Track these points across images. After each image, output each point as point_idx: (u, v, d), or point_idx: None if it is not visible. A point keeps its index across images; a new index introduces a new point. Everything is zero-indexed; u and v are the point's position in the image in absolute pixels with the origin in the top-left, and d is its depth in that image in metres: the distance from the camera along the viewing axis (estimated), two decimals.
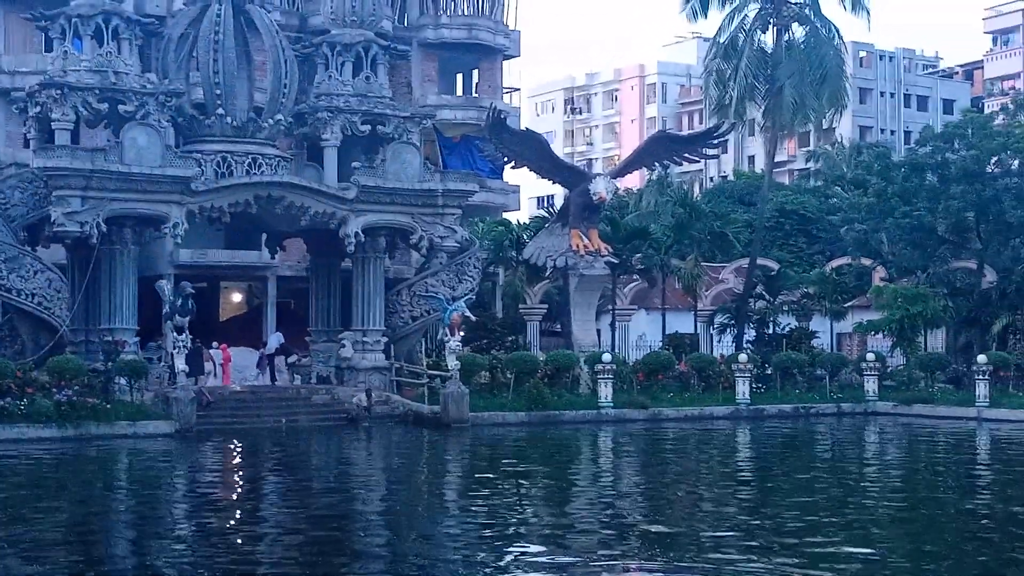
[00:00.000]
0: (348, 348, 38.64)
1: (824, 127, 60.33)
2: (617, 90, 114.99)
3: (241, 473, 27.42)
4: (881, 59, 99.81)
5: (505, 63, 55.89)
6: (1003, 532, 18.48)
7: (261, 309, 46.18)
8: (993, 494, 23.55)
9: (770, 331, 49.45)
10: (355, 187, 37.91)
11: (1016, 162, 48.95)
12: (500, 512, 20.53)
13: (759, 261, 50.38)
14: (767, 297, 50.15)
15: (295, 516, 20.33)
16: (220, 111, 37.50)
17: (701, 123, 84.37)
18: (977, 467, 29.07)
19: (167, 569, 15.62)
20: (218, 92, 37.67)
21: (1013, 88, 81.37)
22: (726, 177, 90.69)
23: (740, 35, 49.39)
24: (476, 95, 54.45)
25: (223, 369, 40.08)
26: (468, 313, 38.39)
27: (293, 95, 38.94)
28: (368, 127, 39.71)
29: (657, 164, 48.00)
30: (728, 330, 49.79)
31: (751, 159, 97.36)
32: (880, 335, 47.14)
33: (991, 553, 16.69)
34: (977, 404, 39.81)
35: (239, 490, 24.19)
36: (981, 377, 40.16)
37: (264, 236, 42.93)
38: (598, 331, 46.09)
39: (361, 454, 31.17)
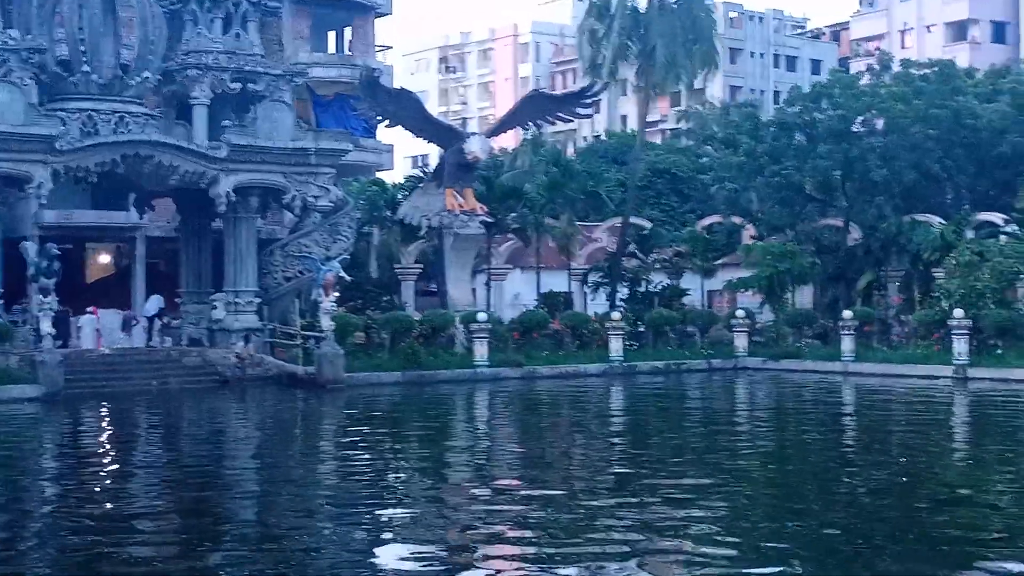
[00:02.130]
0: (220, 310, 38.16)
1: (695, 87, 60.92)
2: (491, 49, 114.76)
3: (108, 437, 26.96)
4: (751, 20, 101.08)
5: (378, 21, 55.42)
6: (866, 480, 19.05)
7: (129, 271, 45.30)
8: (856, 444, 24.22)
9: (643, 289, 50.01)
10: (226, 146, 37.33)
11: (881, 121, 50.00)
12: (375, 473, 20.53)
13: (632, 220, 50.82)
14: (640, 255, 50.66)
15: (162, 481, 20.07)
16: (86, 68, 36.53)
17: (575, 82, 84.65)
18: (841, 418, 29.85)
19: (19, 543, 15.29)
20: (83, 48, 36.70)
21: (878, 49, 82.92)
22: (599, 137, 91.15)
23: None
24: (349, 53, 53.92)
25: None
26: (342, 273, 38.14)
27: (161, 52, 38.10)
28: (239, 85, 39.04)
29: (531, 123, 48.01)
30: (602, 288, 50.22)
31: (624, 119, 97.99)
32: (750, 292, 47.98)
33: (850, 504, 17.19)
34: (843, 358, 40.82)
35: (106, 454, 23.78)
36: (847, 332, 41.18)
37: (132, 196, 42.06)
38: (473, 290, 46.16)
39: (233, 416, 30.85)
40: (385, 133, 51.17)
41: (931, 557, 13.60)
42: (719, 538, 14.53)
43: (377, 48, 56.30)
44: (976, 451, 23.34)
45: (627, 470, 20.30)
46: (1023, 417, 29.48)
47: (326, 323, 36.29)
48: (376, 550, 14.38)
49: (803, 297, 49.54)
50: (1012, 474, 19.65)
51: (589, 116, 70.41)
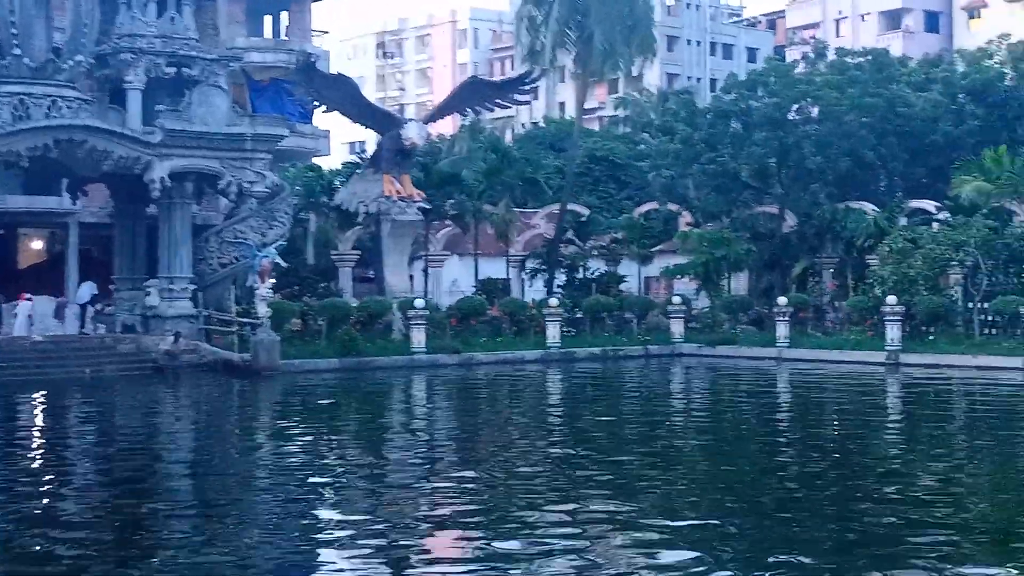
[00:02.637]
0: (154, 296, 37.78)
1: (633, 74, 61.10)
2: (429, 35, 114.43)
3: (40, 425, 26.63)
4: (688, 7, 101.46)
5: (314, 6, 55.08)
6: (799, 459, 19.27)
7: (62, 257, 44.72)
8: (789, 429, 24.47)
9: (580, 276, 50.20)
10: (160, 131, 36.96)
11: (816, 109, 50.43)
12: (309, 460, 20.45)
13: (569, 207, 50.94)
14: (577, 242, 50.83)
15: (95, 469, 19.88)
16: (17, 51, 35.94)
17: (513, 69, 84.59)
18: (775, 404, 30.14)
19: None
20: (14, 31, 36.13)
21: (813, 37, 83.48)
22: (537, 123, 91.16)
23: None
24: (285, 38, 53.55)
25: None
26: (279, 260, 37.94)
27: (94, 35, 37.63)
28: (173, 69, 38.62)
29: (469, 110, 48.07)
30: (539, 275, 50.34)
31: (562, 105, 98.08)
32: (686, 279, 48.28)
33: (782, 489, 17.38)
34: (778, 344, 41.20)
35: (37, 443, 23.49)
36: (782, 318, 41.57)
37: (65, 181, 41.51)
38: (411, 277, 46.06)
39: (167, 403, 30.59)
40: (322, 119, 50.88)
41: (859, 536, 13.78)
42: (655, 521, 14.61)
43: (314, 33, 55.94)
44: (907, 435, 23.64)
45: (564, 455, 20.36)
46: (953, 402, 29.91)
47: (262, 310, 36.06)
48: (313, 539, 14.32)
49: (739, 284, 49.93)
50: (942, 457, 19.93)
51: (527, 103, 70.57)
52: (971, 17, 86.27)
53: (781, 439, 22.95)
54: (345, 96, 41.78)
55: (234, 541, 14.01)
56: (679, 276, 48.50)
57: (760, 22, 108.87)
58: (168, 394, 31.81)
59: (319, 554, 13.42)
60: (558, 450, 21.13)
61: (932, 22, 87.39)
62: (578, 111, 53.28)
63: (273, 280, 37.38)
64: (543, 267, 50.16)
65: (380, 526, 14.70)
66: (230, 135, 38.10)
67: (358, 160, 51.15)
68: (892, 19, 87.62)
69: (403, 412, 29.21)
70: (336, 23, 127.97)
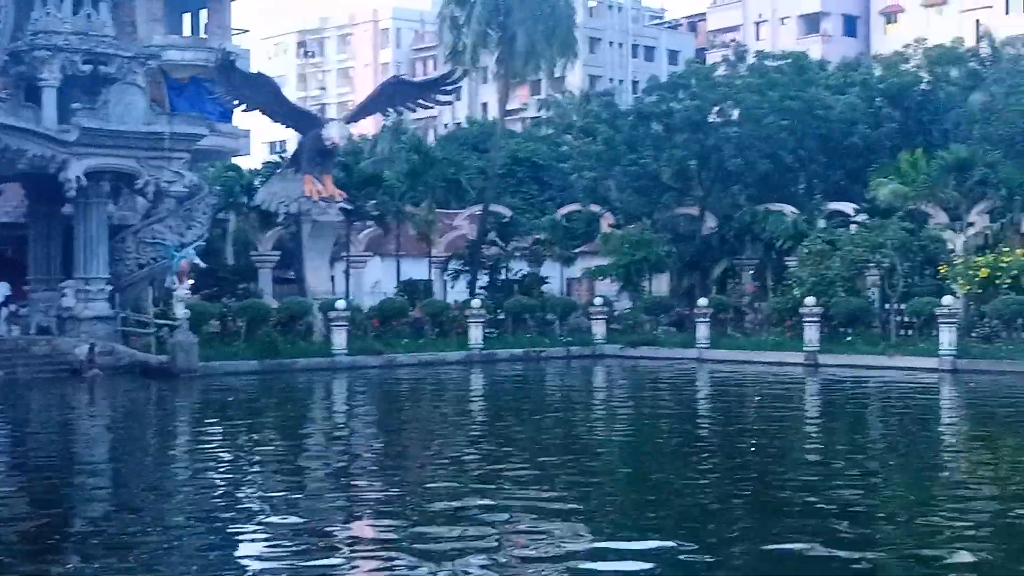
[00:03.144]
0: (70, 297, 37.16)
1: (555, 75, 61.17)
2: (351, 34, 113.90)
3: None
4: (610, 9, 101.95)
5: (234, 4, 54.38)
6: (719, 457, 19.38)
7: None
8: (707, 429, 24.63)
9: (503, 277, 50.21)
10: (76, 129, 36.35)
11: (736, 112, 50.83)
12: (227, 465, 20.20)
13: (492, 208, 50.91)
14: (500, 243, 50.80)
15: (7, 475, 19.48)
16: None
17: (435, 69, 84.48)
18: (694, 405, 30.32)
19: None
20: None
21: (734, 40, 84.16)
22: (460, 124, 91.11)
23: None
24: (205, 36, 52.87)
25: None
26: (197, 260, 37.52)
27: (9, 31, 36.98)
28: (90, 67, 38.01)
29: (391, 110, 47.87)
30: (462, 276, 50.26)
31: (484, 106, 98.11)
32: (608, 280, 48.44)
33: (701, 486, 17.46)
34: (698, 345, 41.50)
35: None
36: (702, 319, 41.88)
37: None
38: (332, 278, 45.75)
39: (83, 406, 30.07)
40: (242, 118, 50.30)
41: (777, 530, 13.86)
42: (573, 521, 14.59)
43: (234, 31, 55.31)
44: (824, 434, 23.88)
45: (485, 456, 20.30)
46: (869, 401, 30.27)
47: (180, 311, 35.63)
48: (232, 540, 14.11)
49: (660, 285, 50.20)
50: (857, 454, 20.13)
51: (450, 103, 70.50)
52: (888, 22, 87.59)
53: (698, 440, 23.07)
54: (265, 95, 41.41)
55: (139, 549, 13.77)
56: (601, 277, 48.67)
57: (681, 25, 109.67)
58: (82, 397, 31.25)
59: (235, 556, 13.23)
60: (478, 450, 21.05)
61: (850, 26, 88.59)
62: (501, 112, 53.26)
63: (191, 281, 36.98)
64: (465, 268, 50.08)
65: (297, 529, 14.52)
66: (148, 134, 37.58)
67: (279, 160, 50.76)
68: (811, 23, 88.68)
69: (323, 414, 28.98)
70: (256, 21, 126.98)
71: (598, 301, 44.62)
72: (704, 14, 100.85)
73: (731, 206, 50.21)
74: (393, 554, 13.24)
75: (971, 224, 42.57)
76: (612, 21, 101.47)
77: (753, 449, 21.12)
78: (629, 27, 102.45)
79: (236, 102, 42.32)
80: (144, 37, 47.48)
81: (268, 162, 54.00)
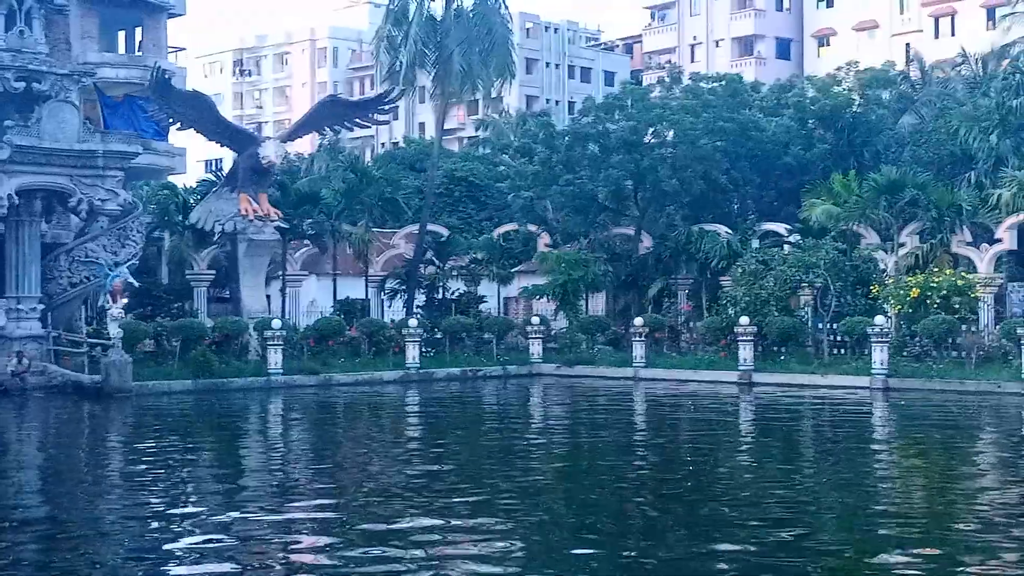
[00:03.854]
0: (1, 316, 36.68)
1: (492, 96, 61.35)
2: (288, 53, 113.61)
3: None
4: (547, 30, 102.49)
5: (171, 22, 54.23)
6: (656, 481, 19.50)
7: None
8: (643, 448, 24.77)
9: (440, 296, 50.17)
10: (8, 147, 35.93)
11: (671, 133, 51.22)
12: (160, 486, 20.03)
13: (429, 227, 50.90)
14: (437, 262, 50.79)
15: None
16: None
17: (372, 88, 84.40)
18: (630, 423, 30.47)
19: None
20: None
21: (669, 62, 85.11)
22: (397, 143, 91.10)
23: (411, 2, 49.62)
24: (140, 54, 52.59)
25: None
26: (131, 279, 37.17)
27: None
28: (22, 84, 37.59)
29: (328, 129, 47.89)
30: (399, 295, 50.15)
31: (422, 126, 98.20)
32: (545, 299, 48.56)
33: (636, 507, 17.57)
34: (634, 364, 41.71)
35: None
36: (638, 339, 42.11)
37: None
38: (268, 297, 45.50)
39: (11, 427, 29.67)
40: (177, 136, 50.13)
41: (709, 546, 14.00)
42: (509, 543, 14.63)
43: (170, 49, 55.07)
44: (757, 451, 24.10)
45: (420, 477, 20.29)
46: (803, 419, 30.59)
47: (114, 330, 35.28)
48: (162, 565, 14.02)
49: (596, 304, 50.41)
50: (789, 470, 20.36)
51: (387, 122, 70.60)
52: (821, 45, 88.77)
53: (633, 458, 23.20)
54: (201, 113, 41.22)
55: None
56: (538, 296, 48.79)
57: (617, 46, 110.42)
58: (11, 417, 30.83)
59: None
60: (413, 470, 21.04)
61: (783, 49, 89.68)
62: (438, 132, 53.31)
63: (125, 300, 36.60)
64: (402, 287, 50.01)
65: (231, 553, 14.45)
66: (81, 152, 37.24)
67: (214, 178, 50.33)
68: (745, 46, 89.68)
69: (257, 435, 28.82)
70: (193, 40, 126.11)
71: (535, 320, 44.75)
72: (640, 36, 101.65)
73: (666, 226, 50.59)
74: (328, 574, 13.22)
75: (902, 245, 43.20)
76: (549, 42, 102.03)
77: (690, 467, 21.29)
78: (566, 48, 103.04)
79: (171, 120, 42.09)
80: (78, 54, 47.15)
81: (203, 180, 53.59)
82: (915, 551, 14.09)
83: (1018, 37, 58.79)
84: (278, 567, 13.78)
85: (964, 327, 38.43)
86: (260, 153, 41.25)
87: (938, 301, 38.07)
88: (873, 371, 36.63)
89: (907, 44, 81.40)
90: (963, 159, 49.15)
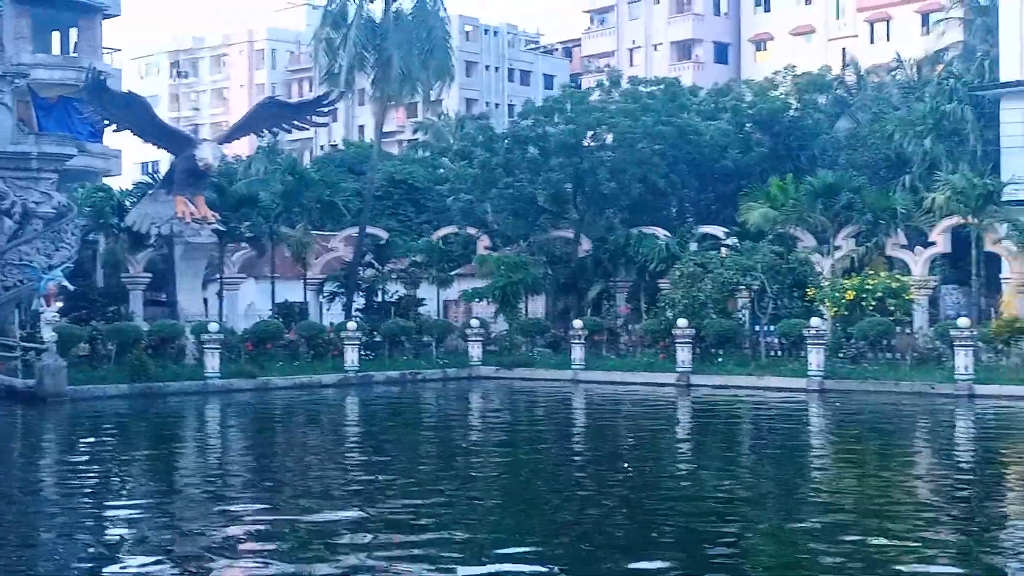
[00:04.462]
0: None
1: (432, 99, 61.22)
2: (225, 55, 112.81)
3: None
4: (486, 33, 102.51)
5: (106, 22, 53.73)
6: (595, 481, 19.57)
7: None
8: (582, 449, 24.84)
9: (379, 299, 50.02)
10: None
11: (610, 136, 51.40)
12: (96, 491, 19.81)
13: (368, 230, 50.73)
14: (376, 265, 50.63)
15: None
16: None
17: (311, 91, 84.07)
18: (569, 425, 30.54)
19: None
20: None
21: (608, 66, 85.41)
22: (336, 146, 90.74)
23: (349, 4, 49.48)
24: (74, 55, 52.10)
25: None
26: (65, 282, 36.73)
27: None
28: None
29: (266, 131, 47.61)
30: (338, 298, 49.96)
31: (361, 128, 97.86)
32: (484, 302, 48.56)
33: (577, 509, 17.63)
34: (573, 367, 41.80)
35: None
36: (577, 341, 42.21)
37: None
38: (205, 300, 45.16)
39: None
40: (113, 138, 49.61)
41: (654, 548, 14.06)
42: (444, 543, 14.62)
43: (105, 50, 54.55)
44: (694, 452, 24.24)
45: (359, 481, 20.22)
46: (739, 421, 30.81)
47: (48, 334, 34.81)
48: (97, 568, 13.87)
49: (536, 307, 50.47)
50: (724, 471, 20.50)
51: (325, 125, 70.17)
52: (758, 49, 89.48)
53: (571, 461, 23.25)
54: (137, 115, 40.80)
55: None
56: (477, 299, 48.76)
57: (557, 50, 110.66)
58: None
59: None
60: (351, 473, 20.97)
61: (721, 53, 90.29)
62: (377, 134, 53.17)
63: (60, 304, 36.14)
64: (341, 290, 49.81)
65: (167, 558, 14.32)
66: (14, 154, 36.84)
67: (150, 181, 49.89)
68: (683, 50, 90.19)
69: (193, 439, 28.57)
70: (128, 41, 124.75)
71: (474, 323, 44.71)
72: (579, 40, 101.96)
73: (605, 229, 50.75)
74: None
75: (838, 248, 43.62)
76: (488, 45, 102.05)
77: (627, 467, 21.36)
78: (505, 51, 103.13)
79: (106, 122, 41.65)
80: (12, 55, 46.59)
81: (139, 183, 53.10)
82: (845, 544, 14.23)
83: (951, 43, 59.67)
84: (214, 567, 13.66)
85: (899, 329, 38.85)
86: (197, 155, 40.91)
87: (873, 303, 38.46)
88: (809, 373, 36.96)
89: (843, 49, 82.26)
90: (898, 163, 49.80)
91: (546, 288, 49.06)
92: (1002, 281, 42.69)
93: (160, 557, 14.28)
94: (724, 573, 13.18)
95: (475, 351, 43.89)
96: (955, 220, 41.88)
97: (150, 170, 71.56)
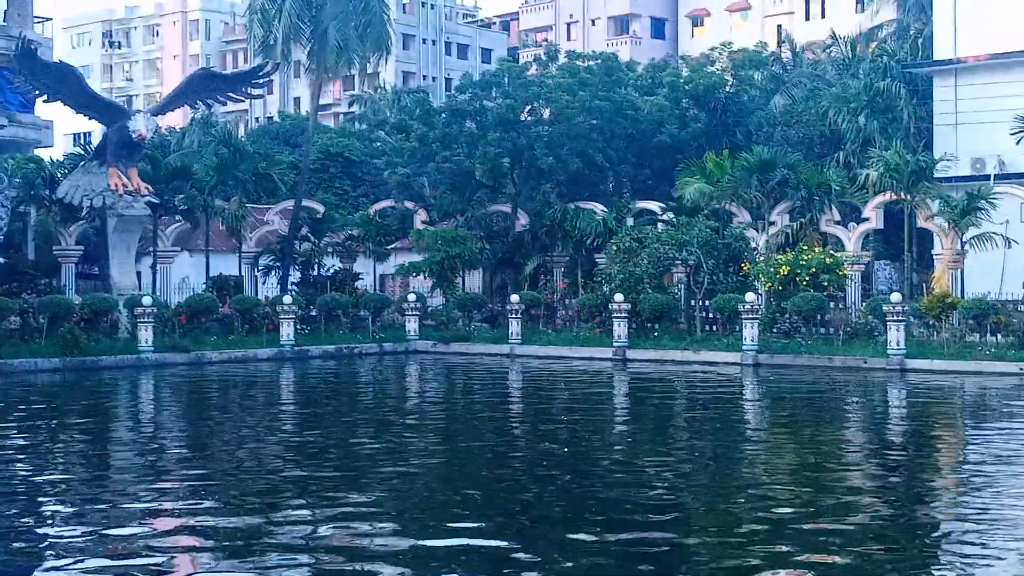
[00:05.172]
0: None
1: (368, 71, 60.88)
2: (159, 25, 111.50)
3: None
4: (424, 6, 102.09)
5: None
6: (528, 456, 19.63)
7: None
8: (518, 423, 24.92)
9: (315, 273, 49.80)
10: None
11: (548, 111, 51.44)
12: (24, 471, 19.58)
13: (305, 203, 50.44)
14: (312, 239, 50.37)
15: None
16: None
17: (246, 62, 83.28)
18: (505, 400, 30.60)
19: None
20: None
21: (546, 40, 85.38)
22: (272, 118, 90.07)
23: None
24: (4, 23, 51.08)
25: None
26: None
27: None
28: None
29: (201, 102, 47.09)
30: (273, 272, 49.69)
31: (297, 101, 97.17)
32: (421, 276, 48.50)
33: (514, 482, 17.67)
34: (510, 341, 41.88)
35: None
36: (514, 316, 42.28)
37: None
38: (138, 273, 44.74)
39: None
40: (44, 108, 48.78)
41: (590, 526, 14.12)
42: (390, 523, 14.59)
43: (35, 19, 53.56)
44: (628, 425, 24.39)
45: (293, 455, 20.13)
46: (675, 395, 31.02)
47: None
48: (31, 549, 13.70)
49: (473, 281, 50.49)
50: (658, 444, 20.64)
51: (261, 97, 69.68)
52: (695, 25, 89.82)
53: (507, 436, 23.31)
54: (69, 86, 40.23)
55: None
56: (414, 274, 48.70)
57: (494, 23, 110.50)
58: None
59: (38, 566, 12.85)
60: (285, 450, 20.87)
61: (658, 29, 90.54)
62: (313, 107, 52.81)
63: None
64: (277, 264, 49.52)
65: (102, 540, 14.18)
66: None
67: (83, 152, 49.23)
68: (621, 25, 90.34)
69: (127, 413, 28.30)
70: (60, 10, 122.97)
71: (411, 297, 44.63)
72: (517, 13, 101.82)
73: (543, 204, 50.82)
74: (201, 558, 13.04)
75: (772, 223, 43.97)
76: (425, 18, 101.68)
77: (563, 441, 21.45)
78: (443, 24, 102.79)
79: (37, 92, 41.07)
80: None
81: (72, 154, 52.37)
82: (774, 517, 14.39)
83: (886, 20, 60.21)
84: (152, 544, 13.55)
85: (832, 304, 39.27)
86: (130, 127, 40.44)
87: (807, 279, 38.83)
88: (744, 347, 37.28)
89: (779, 26, 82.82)
90: (832, 139, 50.25)
91: (483, 263, 49.08)
92: (934, 257, 43.26)
93: (85, 531, 14.13)
94: (662, 545, 13.26)
95: (412, 325, 43.84)
96: (888, 196, 42.34)
97: (83, 141, 70.70)
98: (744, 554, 12.94)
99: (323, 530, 14.10)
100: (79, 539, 13.73)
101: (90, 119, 44.73)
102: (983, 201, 39.89)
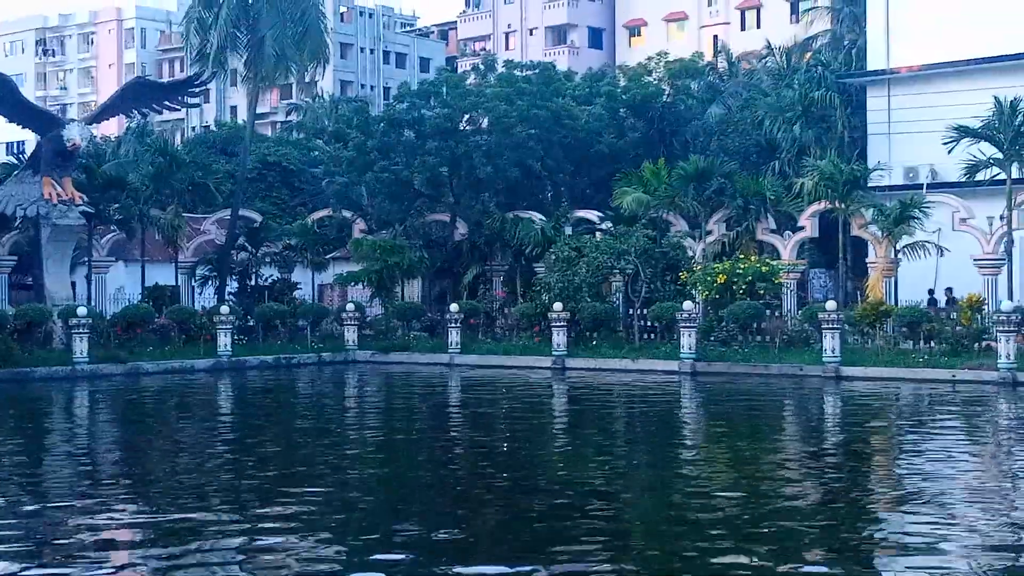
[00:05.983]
0: None
1: (306, 80, 60.77)
2: (93, 33, 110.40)
3: None
4: (361, 15, 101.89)
5: None
6: (469, 464, 19.62)
7: None
8: (457, 432, 24.91)
9: (253, 283, 49.46)
10: None
11: (486, 120, 51.48)
12: None
13: (242, 212, 50.09)
14: (250, 248, 50.02)
15: None
16: None
17: (182, 71, 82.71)
18: (444, 409, 30.58)
19: None
20: None
21: (484, 49, 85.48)
22: (208, 127, 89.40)
23: None
24: None
25: None
26: None
27: None
28: None
29: (136, 111, 46.73)
30: (210, 282, 49.29)
31: (234, 109, 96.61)
32: (360, 286, 48.33)
33: (451, 492, 17.64)
34: (450, 350, 41.87)
35: None
36: (453, 325, 42.27)
37: None
38: (73, 284, 44.24)
39: None
40: None
41: (527, 537, 14.15)
42: (318, 532, 14.54)
43: None
44: (567, 434, 24.45)
45: (229, 466, 19.99)
46: (612, 402, 31.13)
47: None
48: None
49: (412, 291, 50.37)
50: (597, 453, 20.72)
51: (197, 106, 69.23)
52: (632, 35, 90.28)
53: (446, 444, 23.29)
54: (0, 94, 39.77)
55: None
56: (353, 283, 48.51)
57: (432, 32, 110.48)
58: None
59: None
60: (221, 462, 20.73)
61: (596, 39, 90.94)
62: (250, 116, 52.49)
63: None
64: (214, 274, 49.12)
65: (34, 551, 14.01)
66: None
67: (16, 161, 48.65)
68: (559, 34, 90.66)
69: (59, 425, 27.97)
70: None
71: (350, 307, 44.49)
72: (455, 23, 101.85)
73: (481, 213, 50.82)
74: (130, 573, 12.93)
75: (709, 232, 44.26)
76: (363, 27, 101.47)
77: (505, 448, 21.47)
78: (380, 33, 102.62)
79: None
80: None
81: (4, 163, 51.70)
82: (711, 518, 14.50)
83: (820, 31, 60.91)
84: (75, 555, 13.40)
85: (769, 312, 39.60)
86: (64, 136, 40.05)
87: (744, 287, 39.12)
88: (682, 355, 37.50)
89: (715, 36, 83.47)
90: (768, 149, 50.70)
91: (422, 272, 48.98)
92: (868, 265, 43.74)
93: (14, 546, 13.97)
94: (598, 546, 13.31)
95: (351, 335, 43.71)
96: (823, 205, 42.76)
97: (16, 151, 69.87)
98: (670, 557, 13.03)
99: (256, 542, 14.01)
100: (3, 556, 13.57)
101: (23, 128, 44.24)
102: (916, 210, 40.40)
